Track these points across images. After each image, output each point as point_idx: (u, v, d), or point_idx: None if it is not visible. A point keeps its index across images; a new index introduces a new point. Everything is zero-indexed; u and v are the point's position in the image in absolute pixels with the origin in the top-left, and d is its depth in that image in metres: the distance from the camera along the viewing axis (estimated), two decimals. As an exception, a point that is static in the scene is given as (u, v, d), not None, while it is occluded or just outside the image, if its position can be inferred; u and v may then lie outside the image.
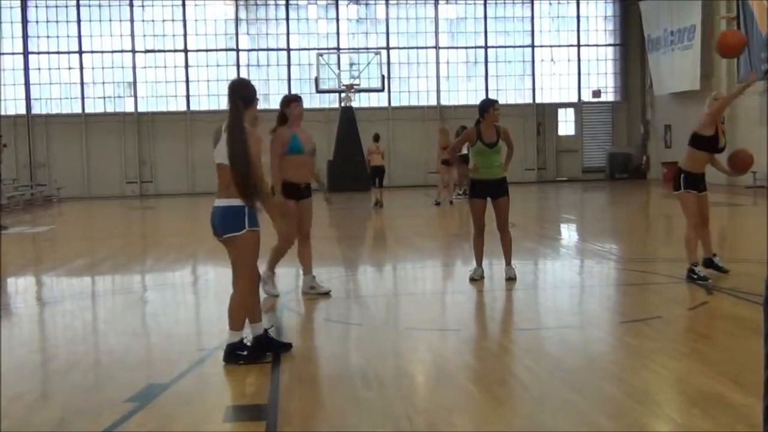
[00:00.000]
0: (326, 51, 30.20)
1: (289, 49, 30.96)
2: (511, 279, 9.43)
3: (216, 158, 6.08)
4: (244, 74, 30.53)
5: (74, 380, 5.83)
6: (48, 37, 30.33)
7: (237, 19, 30.91)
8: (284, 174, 8.48)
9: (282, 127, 8.57)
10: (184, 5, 30.59)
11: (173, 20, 30.71)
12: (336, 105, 29.93)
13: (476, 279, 9.50)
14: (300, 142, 8.53)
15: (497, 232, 9.58)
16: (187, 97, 30.46)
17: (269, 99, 30.89)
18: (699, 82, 25.80)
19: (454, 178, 21.88)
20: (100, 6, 30.33)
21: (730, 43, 8.92)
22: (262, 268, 7.14)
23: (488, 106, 9.39)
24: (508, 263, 9.56)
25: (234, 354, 6.11)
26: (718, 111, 8.98)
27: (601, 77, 32.34)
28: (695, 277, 8.94)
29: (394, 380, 5.63)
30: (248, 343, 6.23)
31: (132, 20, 30.46)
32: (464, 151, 9.89)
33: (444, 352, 6.55)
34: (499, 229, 9.52)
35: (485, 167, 9.43)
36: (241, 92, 6.11)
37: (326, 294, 8.89)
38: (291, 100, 8.69)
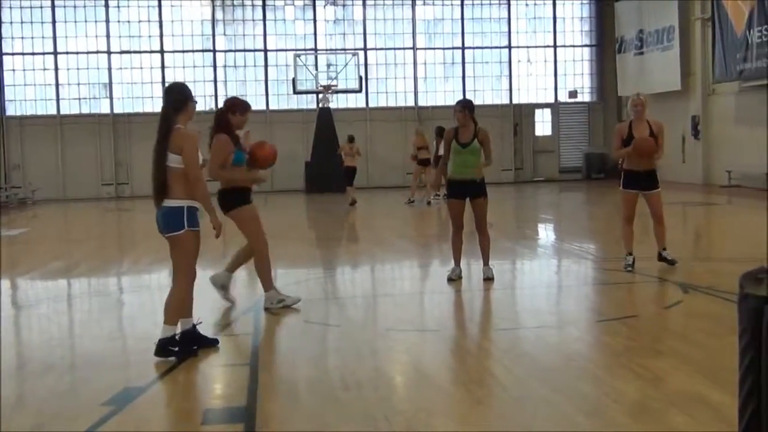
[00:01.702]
0: (303, 52, 30.13)
1: (266, 50, 30.86)
2: (488, 279, 9.42)
3: None
4: (220, 75, 30.39)
5: (50, 384, 5.79)
6: (22, 38, 30.05)
7: (213, 20, 30.77)
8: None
9: (225, 135, 7.84)
10: (160, 6, 30.42)
11: (149, 21, 30.52)
12: (313, 106, 29.87)
13: (454, 279, 9.49)
14: (243, 155, 7.88)
15: (476, 233, 9.61)
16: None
17: (247, 100, 30.77)
18: (679, 82, 25.98)
19: (431, 179, 22.08)
20: (75, 7, 30.09)
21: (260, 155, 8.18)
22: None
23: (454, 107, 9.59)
24: (486, 263, 9.56)
25: (166, 349, 6.27)
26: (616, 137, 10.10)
27: (577, 78, 32.47)
28: (625, 265, 9.74)
29: (373, 381, 5.62)
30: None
31: (107, 21, 30.23)
32: (441, 152, 10.01)
33: (422, 353, 6.56)
34: (477, 229, 9.52)
35: (461, 167, 9.44)
36: (170, 96, 6.41)
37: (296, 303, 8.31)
38: (247, 108, 8.12)
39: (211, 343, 6.58)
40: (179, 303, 6.36)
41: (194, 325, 6.54)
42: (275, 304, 8.07)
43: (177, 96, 6.38)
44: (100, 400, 5.28)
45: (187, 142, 6.22)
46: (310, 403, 5.25)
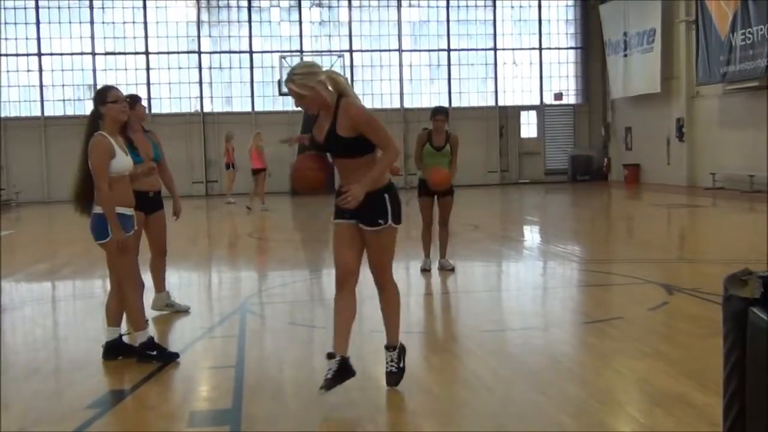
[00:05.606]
0: (289, 54, 30.09)
1: (251, 52, 30.82)
2: (445, 269, 10.11)
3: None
4: (206, 77, 30.34)
5: (34, 387, 5.75)
6: (6, 39, 29.86)
7: (199, 22, 30.70)
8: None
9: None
10: (145, 7, 30.32)
11: (134, 22, 30.41)
12: (299, 108, 29.82)
13: (426, 269, 10.24)
14: (137, 151, 7.47)
15: (439, 227, 10.24)
16: (149, 99, 30.17)
17: (231, 102, 30.78)
18: (659, 84, 26.11)
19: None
20: (59, 8, 29.95)
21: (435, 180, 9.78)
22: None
23: (432, 113, 10.28)
24: (443, 256, 10.28)
25: (146, 353, 6.24)
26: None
27: (562, 80, 32.57)
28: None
29: (358, 383, 5.61)
30: (125, 339, 6.47)
31: (92, 22, 30.12)
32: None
33: (408, 354, 6.55)
34: (440, 223, 10.27)
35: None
36: (95, 101, 6.28)
37: (186, 311, 8.33)
38: (137, 100, 7.94)
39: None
40: (135, 308, 6.31)
41: (120, 336, 6.49)
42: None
43: (96, 101, 6.25)
44: (85, 403, 5.25)
45: (93, 150, 6.08)
46: (295, 405, 5.24)
